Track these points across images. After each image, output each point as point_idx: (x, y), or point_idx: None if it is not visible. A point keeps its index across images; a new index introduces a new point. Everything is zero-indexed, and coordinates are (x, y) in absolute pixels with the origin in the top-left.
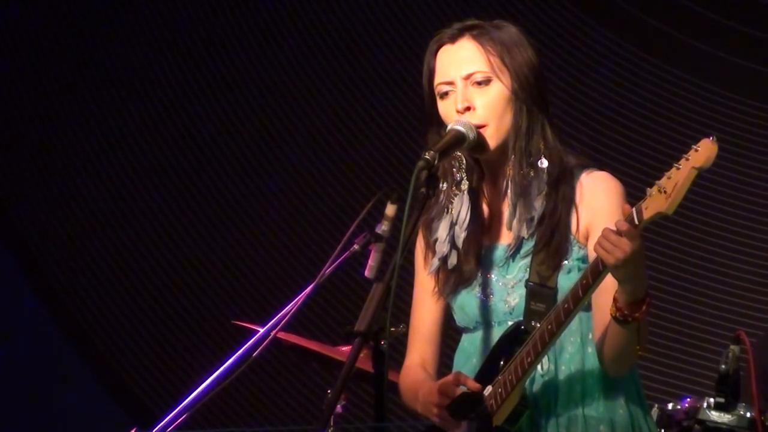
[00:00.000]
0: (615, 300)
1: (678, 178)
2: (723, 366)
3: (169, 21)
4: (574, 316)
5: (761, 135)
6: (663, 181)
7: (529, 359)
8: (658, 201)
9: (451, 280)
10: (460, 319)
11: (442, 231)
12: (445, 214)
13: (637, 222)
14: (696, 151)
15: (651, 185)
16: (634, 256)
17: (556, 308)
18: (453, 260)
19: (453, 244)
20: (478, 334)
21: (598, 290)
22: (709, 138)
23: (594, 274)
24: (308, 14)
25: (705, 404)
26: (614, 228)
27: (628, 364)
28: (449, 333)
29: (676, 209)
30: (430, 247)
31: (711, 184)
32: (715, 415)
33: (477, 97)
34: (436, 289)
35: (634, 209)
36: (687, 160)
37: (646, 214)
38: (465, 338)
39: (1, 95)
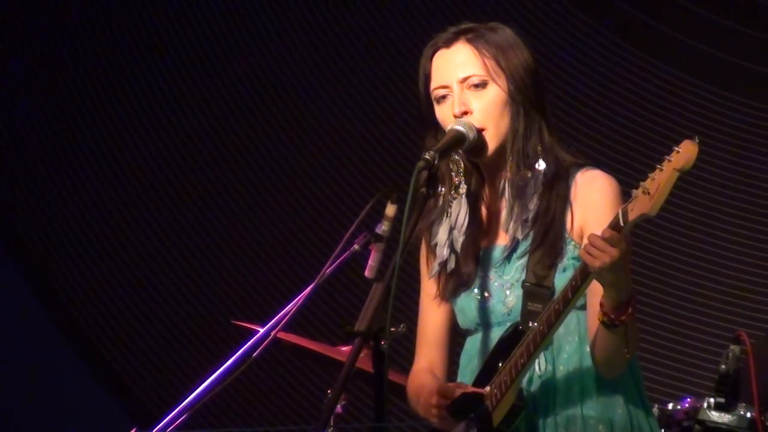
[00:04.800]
0: (601, 305)
1: (660, 179)
2: (723, 366)
3: (166, 17)
4: (564, 317)
5: (761, 135)
6: (647, 183)
7: (522, 360)
8: (642, 202)
9: (451, 283)
10: (461, 321)
11: (441, 235)
12: (444, 217)
13: (622, 223)
14: (677, 152)
15: (637, 187)
16: (621, 261)
17: (547, 309)
18: (451, 264)
19: (452, 249)
20: (479, 336)
21: (592, 291)
22: (690, 139)
23: (582, 275)
24: (309, 13)
25: (705, 404)
26: (600, 234)
27: (619, 367)
28: (457, 335)
29: (659, 211)
30: (432, 251)
31: (712, 185)
32: (715, 415)
33: (474, 100)
34: (437, 292)
35: (620, 210)
36: (669, 161)
37: (631, 216)
38: (468, 340)
39: (1, 95)
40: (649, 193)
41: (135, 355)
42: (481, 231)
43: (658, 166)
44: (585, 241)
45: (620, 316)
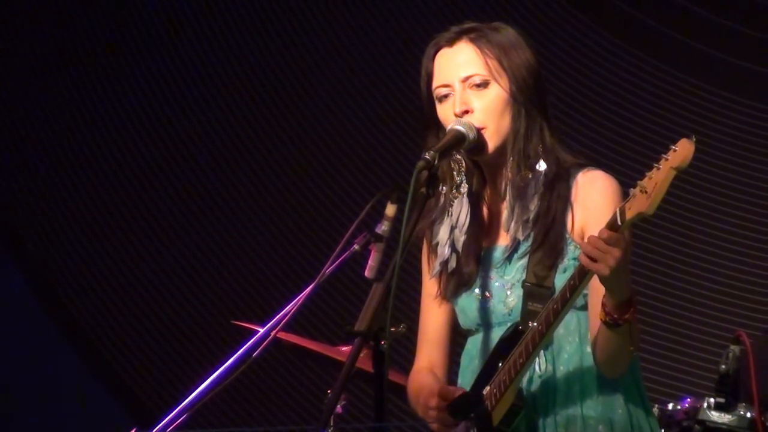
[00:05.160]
0: (603, 305)
1: (657, 178)
2: (723, 366)
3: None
4: (563, 317)
5: (761, 135)
6: (644, 182)
7: (521, 360)
8: (639, 201)
9: (452, 282)
10: (462, 321)
11: (443, 234)
12: (446, 217)
13: (620, 222)
14: (674, 150)
15: (634, 186)
16: (624, 260)
17: (546, 309)
18: (453, 263)
19: (453, 248)
20: (480, 336)
21: (592, 291)
22: (687, 137)
23: (581, 275)
24: (309, 12)
25: (705, 404)
26: (597, 236)
27: (622, 366)
28: (458, 336)
29: (658, 211)
30: (433, 250)
31: (711, 184)
32: (715, 415)
33: (475, 99)
34: (439, 292)
35: (617, 210)
36: (666, 160)
37: (629, 215)
38: (469, 340)
39: (1, 95)
40: (646, 192)
41: (135, 355)
42: (482, 231)
43: (656, 165)
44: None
45: (623, 315)
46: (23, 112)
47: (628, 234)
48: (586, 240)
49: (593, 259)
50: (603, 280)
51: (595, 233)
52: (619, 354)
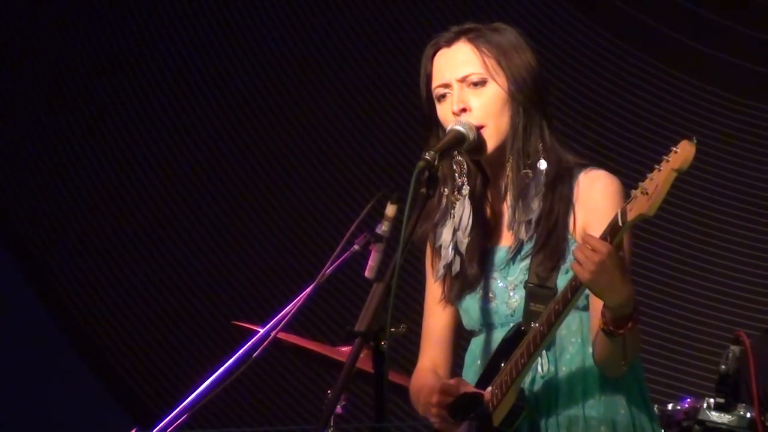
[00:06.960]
0: (602, 314)
1: (658, 179)
2: (723, 366)
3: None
4: (564, 317)
5: (761, 135)
6: (646, 183)
7: (522, 360)
8: (640, 202)
9: (456, 285)
10: (465, 322)
11: (446, 237)
12: (448, 219)
13: (621, 224)
14: (675, 152)
15: (636, 187)
16: (606, 272)
17: (547, 310)
18: (456, 266)
19: (456, 250)
20: (483, 337)
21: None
22: (688, 139)
23: None
24: (310, 13)
25: (705, 404)
26: (583, 240)
27: (617, 371)
28: (461, 338)
29: (658, 211)
30: (437, 253)
31: (711, 185)
32: (715, 416)
33: (473, 98)
34: (443, 295)
35: (619, 211)
36: (667, 161)
37: (630, 216)
38: (472, 341)
39: (2, 94)
40: (647, 194)
41: (135, 355)
42: (485, 232)
43: (657, 167)
44: None
45: (619, 329)
46: (24, 111)
47: (627, 241)
48: (575, 247)
49: (579, 264)
50: (587, 285)
51: (596, 233)
52: (614, 360)
